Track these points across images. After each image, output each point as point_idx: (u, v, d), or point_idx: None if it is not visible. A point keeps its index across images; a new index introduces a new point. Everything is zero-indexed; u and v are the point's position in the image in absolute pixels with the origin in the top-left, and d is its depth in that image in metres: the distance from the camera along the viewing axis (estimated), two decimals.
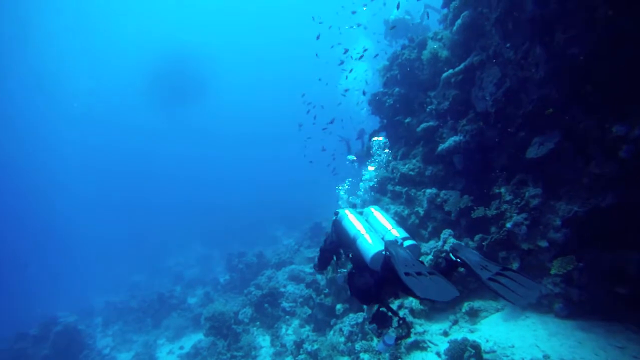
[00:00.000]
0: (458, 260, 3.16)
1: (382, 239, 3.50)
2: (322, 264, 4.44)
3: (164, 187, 57.97)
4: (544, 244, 5.32)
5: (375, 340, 3.66)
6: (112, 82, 60.73)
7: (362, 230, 3.61)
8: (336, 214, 4.13)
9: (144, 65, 57.46)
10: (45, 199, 55.31)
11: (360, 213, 4.04)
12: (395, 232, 3.57)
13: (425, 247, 6.89)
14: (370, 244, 3.41)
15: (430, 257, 6.50)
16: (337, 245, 4.19)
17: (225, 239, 25.21)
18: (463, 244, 6.78)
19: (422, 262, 3.07)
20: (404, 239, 3.46)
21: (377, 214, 3.91)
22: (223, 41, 64.72)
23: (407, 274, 2.69)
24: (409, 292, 2.76)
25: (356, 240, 3.57)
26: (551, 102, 5.39)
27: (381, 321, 3.51)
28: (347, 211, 4.00)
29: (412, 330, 6.05)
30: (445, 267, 3.32)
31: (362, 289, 3.46)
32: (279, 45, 64.62)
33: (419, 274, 2.70)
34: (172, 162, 64.93)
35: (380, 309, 3.54)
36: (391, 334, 3.59)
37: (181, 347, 12.43)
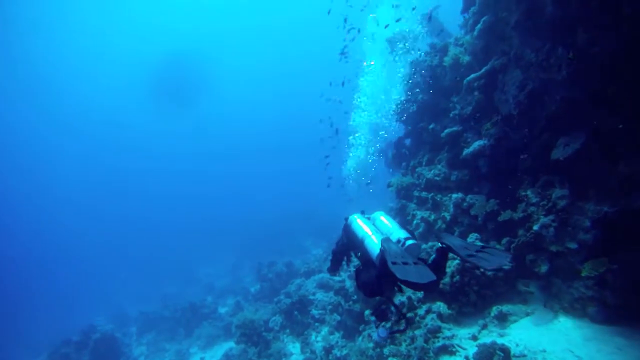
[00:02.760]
0: (443, 245, 3.57)
1: (402, 246, 3.72)
2: (334, 265, 4.78)
3: (195, 200, 59.39)
4: (573, 245, 5.24)
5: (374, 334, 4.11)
6: (123, 88, 62.63)
7: (369, 232, 3.97)
8: (346, 219, 4.51)
9: (158, 69, 58.91)
10: (79, 213, 57.67)
11: (368, 218, 4.38)
12: (399, 234, 3.81)
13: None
14: (376, 243, 3.75)
15: (457, 261, 6.48)
16: (347, 247, 4.57)
17: (254, 250, 25.51)
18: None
19: (421, 259, 3.44)
20: (406, 238, 3.71)
21: (383, 219, 4.20)
22: (227, 43, 65.76)
23: (394, 263, 3.08)
24: (396, 280, 3.14)
25: (364, 241, 3.94)
26: (575, 103, 5.35)
27: (381, 315, 3.96)
28: (356, 216, 4.37)
29: (440, 334, 6.04)
30: (436, 255, 3.70)
31: (366, 283, 3.79)
32: (288, 47, 65.69)
33: (405, 263, 3.09)
34: (202, 175, 66.54)
35: (382, 306, 3.93)
36: (387, 327, 3.90)
37: (202, 359, 12.74)
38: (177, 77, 59.92)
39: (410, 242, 3.68)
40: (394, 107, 10.82)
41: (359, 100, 12.40)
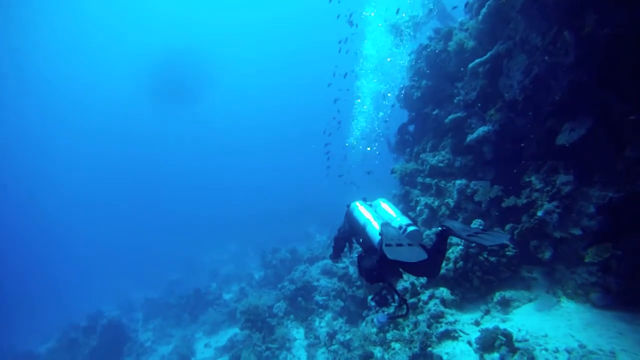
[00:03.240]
0: (444, 228, 3.56)
1: (402, 232, 3.75)
2: (336, 252, 4.87)
3: (198, 188, 59.92)
4: (577, 231, 5.22)
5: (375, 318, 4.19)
6: (116, 84, 62.10)
7: (371, 219, 3.97)
8: (348, 206, 4.51)
9: (147, 67, 57.85)
10: (87, 205, 58.22)
11: (370, 205, 4.37)
12: (400, 220, 3.81)
13: (455, 238, 6.86)
14: (377, 230, 3.76)
15: (460, 247, 6.49)
16: (349, 234, 4.57)
17: (259, 237, 25.66)
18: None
19: (423, 245, 3.48)
20: (408, 225, 3.72)
21: (385, 205, 4.20)
22: (229, 36, 65.30)
23: (387, 245, 3.18)
24: (390, 262, 3.21)
25: (366, 227, 3.94)
26: (582, 87, 5.27)
27: (381, 301, 3.98)
28: (357, 203, 4.38)
29: (443, 319, 6.09)
30: (437, 239, 3.66)
31: (367, 269, 3.81)
32: (290, 39, 65.40)
33: (399, 245, 3.17)
34: (207, 167, 66.83)
35: (383, 291, 3.96)
36: (386, 313, 4.24)
37: (206, 344, 12.94)
38: (180, 70, 59.02)
39: (411, 228, 3.68)
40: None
41: (364, 65, 12.32)
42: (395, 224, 3.76)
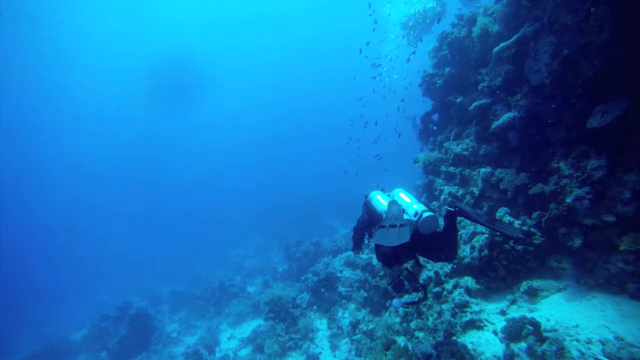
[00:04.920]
0: (456, 209, 3.66)
1: (403, 211, 3.81)
2: (356, 242, 4.95)
3: (224, 184, 60.93)
4: (610, 218, 4.98)
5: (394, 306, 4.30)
6: (120, 87, 62.29)
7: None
8: (366, 196, 4.58)
9: (150, 70, 58.22)
10: (116, 204, 60.12)
11: (388, 195, 4.40)
12: (416, 207, 3.80)
13: (480, 227, 6.70)
14: None
15: (485, 235, 6.33)
16: (368, 224, 4.60)
17: (283, 231, 25.89)
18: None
19: (437, 232, 3.69)
20: (424, 211, 3.71)
21: (402, 195, 4.21)
22: (231, 34, 65.47)
23: (381, 226, 3.37)
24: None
25: (382, 215, 3.92)
26: (617, 67, 4.99)
27: (397, 287, 4.01)
28: (375, 193, 4.45)
29: (468, 309, 5.97)
30: (445, 220, 3.75)
31: (383, 253, 3.87)
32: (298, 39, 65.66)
33: (392, 226, 3.33)
34: (231, 159, 67.88)
35: (400, 277, 4.00)
36: (403, 299, 4.47)
37: (231, 336, 13.11)
38: (184, 71, 59.96)
39: (427, 214, 3.67)
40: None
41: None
42: (412, 211, 3.77)
